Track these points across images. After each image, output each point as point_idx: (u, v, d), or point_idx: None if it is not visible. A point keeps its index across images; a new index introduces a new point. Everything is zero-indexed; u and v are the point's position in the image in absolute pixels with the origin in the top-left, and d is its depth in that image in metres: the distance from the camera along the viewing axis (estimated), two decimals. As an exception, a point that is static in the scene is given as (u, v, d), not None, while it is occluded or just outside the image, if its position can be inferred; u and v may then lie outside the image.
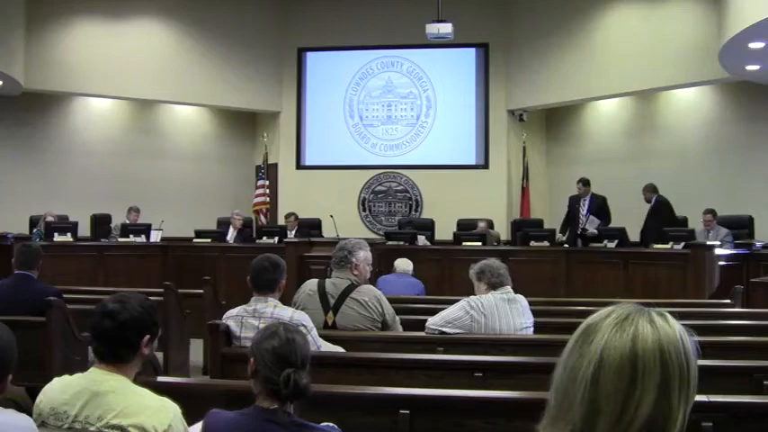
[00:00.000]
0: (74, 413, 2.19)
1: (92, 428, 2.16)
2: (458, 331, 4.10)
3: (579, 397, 1.14)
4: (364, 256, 4.38)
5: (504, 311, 4.12)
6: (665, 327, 1.17)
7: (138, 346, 2.30)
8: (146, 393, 2.24)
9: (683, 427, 1.14)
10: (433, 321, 4.15)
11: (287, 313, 3.74)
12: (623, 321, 1.17)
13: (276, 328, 2.29)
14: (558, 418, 1.17)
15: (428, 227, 11.21)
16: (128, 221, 10.85)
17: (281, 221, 11.89)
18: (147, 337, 2.32)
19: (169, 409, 2.21)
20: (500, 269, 4.22)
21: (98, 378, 2.24)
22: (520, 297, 4.27)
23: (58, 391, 2.26)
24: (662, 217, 9.59)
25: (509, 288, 4.22)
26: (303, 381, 2.16)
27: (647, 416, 1.11)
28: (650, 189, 9.87)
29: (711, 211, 9.31)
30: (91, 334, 2.33)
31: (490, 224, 10.94)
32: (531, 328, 4.29)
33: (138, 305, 2.33)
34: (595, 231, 9.73)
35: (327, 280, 4.36)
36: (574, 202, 10.43)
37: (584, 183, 10.36)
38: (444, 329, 4.10)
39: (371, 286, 4.40)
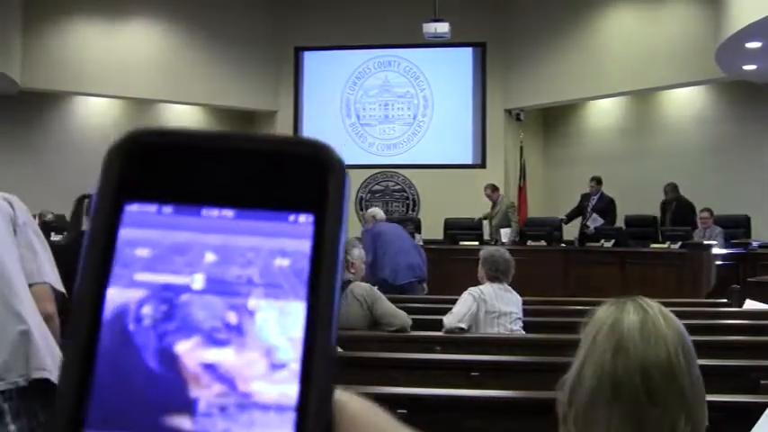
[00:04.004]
0: None
1: None
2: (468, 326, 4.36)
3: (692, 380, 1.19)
4: (359, 253, 4.49)
5: (499, 298, 4.44)
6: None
7: None
8: None
9: None
10: (449, 321, 4.33)
11: None
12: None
13: None
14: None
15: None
16: None
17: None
18: None
19: None
20: (501, 265, 4.50)
21: None
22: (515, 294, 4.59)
23: None
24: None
25: (505, 285, 4.52)
26: None
27: None
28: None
29: (708, 211, 9.33)
30: None
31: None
32: (521, 322, 4.52)
33: None
34: (593, 230, 9.79)
35: None
36: (584, 199, 10.52)
37: (598, 181, 10.48)
38: (460, 326, 4.29)
39: (367, 284, 4.43)
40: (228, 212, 0.34)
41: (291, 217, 0.34)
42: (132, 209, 0.34)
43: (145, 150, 0.34)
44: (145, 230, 0.33)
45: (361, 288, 4.30)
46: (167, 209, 0.34)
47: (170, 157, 0.34)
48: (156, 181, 0.34)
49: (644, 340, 1.16)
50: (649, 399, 1.13)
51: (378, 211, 7.87)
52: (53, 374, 1.99)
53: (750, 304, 5.57)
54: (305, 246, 0.33)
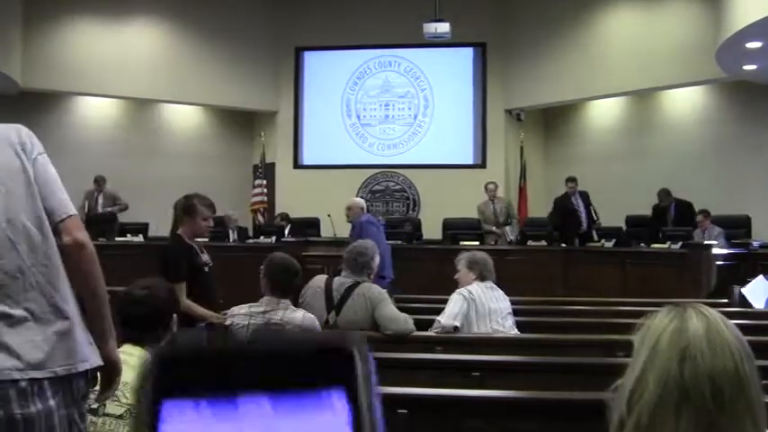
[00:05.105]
0: None
1: (117, 392, 2.33)
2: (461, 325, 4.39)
3: (755, 385, 1.20)
4: (378, 260, 4.62)
5: (488, 296, 4.51)
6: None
7: (165, 328, 2.66)
8: None
9: None
10: (444, 321, 4.36)
11: (298, 315, 3.76)
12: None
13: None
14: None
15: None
16: (95, 191, 10.92)
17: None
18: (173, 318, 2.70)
19: None
20: (488, 264, 4.65)
21: (125, 354, 2.44)
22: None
23: None
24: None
25: (491, 283, 4.62)
26: None
27: None
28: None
29: (705, 213, 9.33)
30: (119, 320, 2.55)
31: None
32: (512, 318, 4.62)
33: (162, 292, 2.67)
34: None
35: (336, 278, 4.39)
36: (566, 202, 10.39)
37: (575, 181, 10.44)
38: (455, 324, 4.33)
39: (377, 287, 4.43)
40: (263, 400, 0.35)
41: (324, 395, 0.36)
42: (171, 406, 0.36)
43: (181, 362, 0.37)
44: (185, 425, 0.35)
45: (370, 290, 4.31)
46: (204, 404, 0.36)
47: (204, 364, 0.37)
48: (193, 380, 0.36)
49: (710, 349, 1.18)
50: (719, 408, 1.14)
51: (363, 202, 8.06)
52: (90, 362, 2.04)
53: None
54: (341, 421, 0.35)
